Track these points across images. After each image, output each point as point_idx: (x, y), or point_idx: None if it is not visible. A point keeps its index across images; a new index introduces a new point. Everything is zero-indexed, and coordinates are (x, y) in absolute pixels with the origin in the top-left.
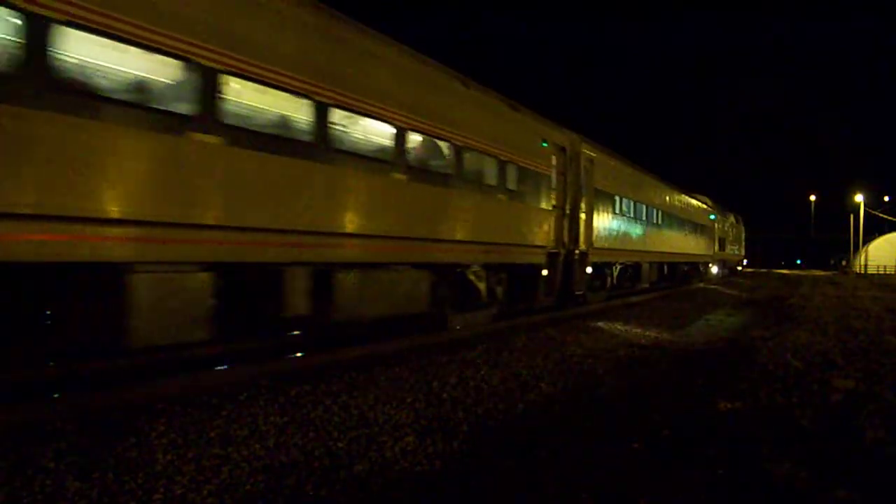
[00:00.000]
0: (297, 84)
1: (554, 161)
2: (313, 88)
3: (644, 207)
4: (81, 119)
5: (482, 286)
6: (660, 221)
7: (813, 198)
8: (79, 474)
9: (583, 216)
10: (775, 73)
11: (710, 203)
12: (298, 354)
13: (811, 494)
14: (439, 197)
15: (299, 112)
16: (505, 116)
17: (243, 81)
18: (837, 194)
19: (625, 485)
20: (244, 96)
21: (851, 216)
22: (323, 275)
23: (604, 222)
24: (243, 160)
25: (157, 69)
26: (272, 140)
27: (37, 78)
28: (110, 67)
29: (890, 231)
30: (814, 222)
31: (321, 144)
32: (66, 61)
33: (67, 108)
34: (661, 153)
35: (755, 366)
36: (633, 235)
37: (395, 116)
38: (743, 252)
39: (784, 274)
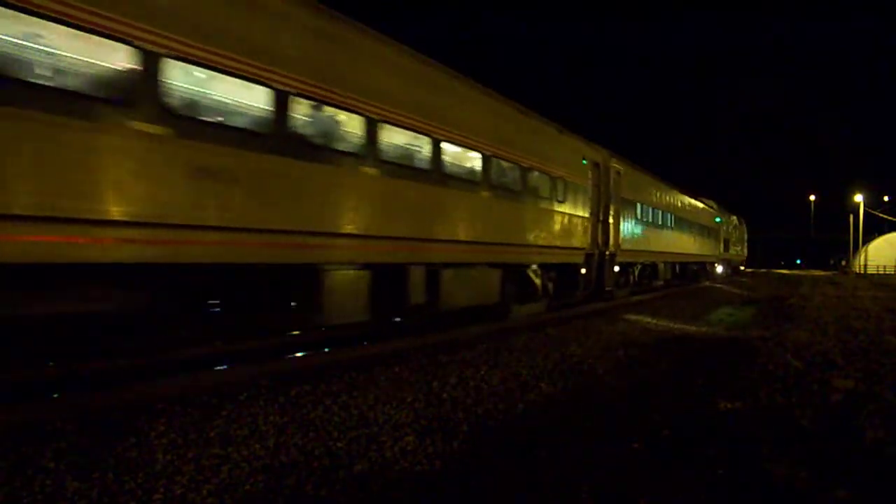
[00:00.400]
0: (420, 125)
1: (590, 175)
2: (431, 128)
3: (660, 213)
4: (305, 162)
5: (538, 282)
6: (673, 225)
7: (813, 198)
8: (79, 474)
9: (612, 221)
10: (775, 73)
11: (715, 206)
12: (298, 354)
13: (811, 494)
14: (510, 209)
15: (422, 146)
16: (554, 139)
17: (388, 126)
18: (837, 194)
19: (625, 485)
20: (389, 137)
21: (851, 216)
22: (432, 272)
23: (628, 227)
24: (389, 186)
25: (345, 122)
26: (406, 169)
27: (279, 134)
28: (318, 122)
29: (890, 231)
30: (814, 222)
31: (436, 171)
32: (297, 121)
33: (299, 154)
34: (661, 153)
35: (755, 365)
36: (652, 238)
37: (483, 145)
38: (745, 252)
39: (784, 274)
